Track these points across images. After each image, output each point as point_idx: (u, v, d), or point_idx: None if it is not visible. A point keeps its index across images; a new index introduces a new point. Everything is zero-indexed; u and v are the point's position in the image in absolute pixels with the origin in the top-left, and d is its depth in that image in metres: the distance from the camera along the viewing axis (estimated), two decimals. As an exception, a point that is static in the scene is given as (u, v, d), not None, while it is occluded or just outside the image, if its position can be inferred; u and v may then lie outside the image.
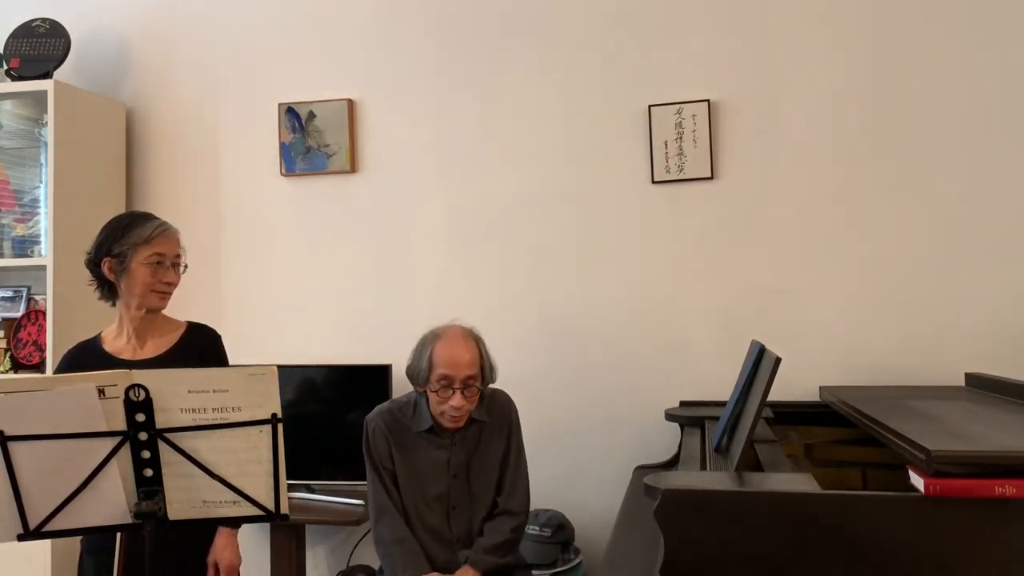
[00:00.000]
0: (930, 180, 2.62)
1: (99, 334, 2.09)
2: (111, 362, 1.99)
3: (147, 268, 1.98)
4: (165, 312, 2.10)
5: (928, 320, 2.60)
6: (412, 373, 2.15)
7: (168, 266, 2.02)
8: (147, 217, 2.05)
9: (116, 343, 2.05)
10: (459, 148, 2.96)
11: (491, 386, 2.23)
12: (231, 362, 2.26)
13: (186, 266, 2.09)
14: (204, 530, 2.04)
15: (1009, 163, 2.56)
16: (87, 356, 2.02)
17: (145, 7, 3.28)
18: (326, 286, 3.06)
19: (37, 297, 3.05)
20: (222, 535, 2.06)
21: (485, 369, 2.14)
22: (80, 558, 2.04)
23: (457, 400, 2.07)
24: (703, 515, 1.38)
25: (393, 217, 3.01)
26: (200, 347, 2.10)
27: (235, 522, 1.88)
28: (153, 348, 2.05)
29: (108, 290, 2.03)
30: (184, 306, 3.05)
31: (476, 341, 2.14)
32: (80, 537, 2.02)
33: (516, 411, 2.26)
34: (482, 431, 2.20)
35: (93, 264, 2.02)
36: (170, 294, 2.05)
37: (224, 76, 3.19)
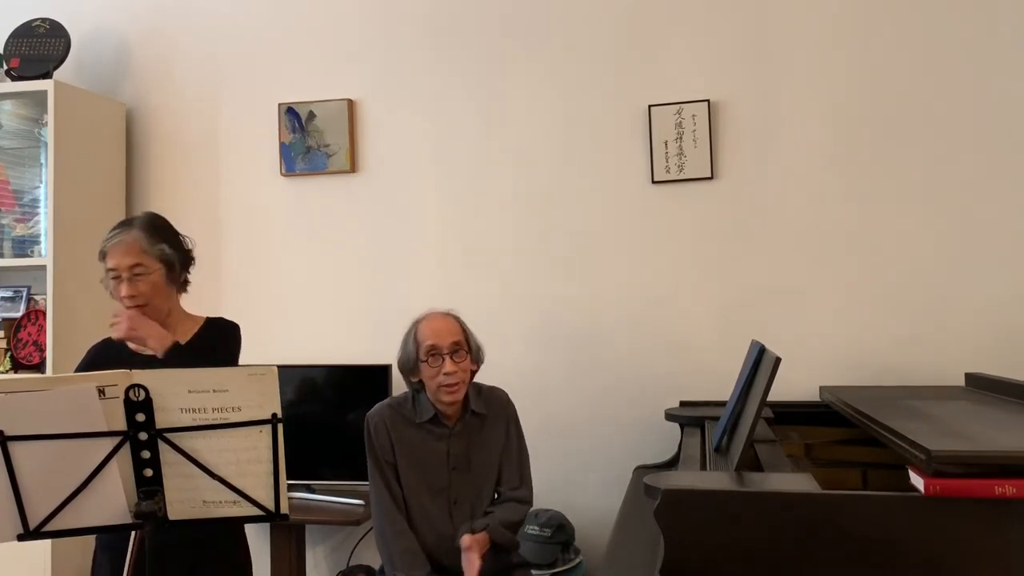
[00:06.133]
0: (930, 180, 2.61)
1: None
2: (129, 357, 1.96)
3: (110, 283, 1.93)
4: (185, 308, 2.09)
5: (928, 320, 2.60)
6: (403, 362, 2.21)
7: (124, 279, 1.90)
8: (115, 226, 1.95)
9: None
10: (459, 148, 2.96)
11: (489, 384, 2.30)
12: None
13: (153, 275, 1.93)
14: (217, 533, 1.99)
15: (1009, 163, 2.56)
16: (108, 351, 2.00)
17: (145, 7, 3.28)
18: (326, 286, 3.06)
19: (37, 297, 3.05)
20: None
21: (470, 341, 2.21)
22: (95, 555, 2.02)
23: (449, 366, 2.12)
24: (703, 515, 1.38)
25: (393, 217, 3.01)
26: (213, 340, 2.06)
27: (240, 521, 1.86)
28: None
29: None
30: (184, 306, 3.06)
31: (455, 317, 2.23)
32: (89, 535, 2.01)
33: (514, 407, 2.31)
34: (482, 424, 2.24)
35: None
36: (142, 305, 1.91)
37: (224, 76, 3.19)
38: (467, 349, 2.18)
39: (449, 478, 2.19)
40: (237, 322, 2.15)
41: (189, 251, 2.07)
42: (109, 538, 1.95)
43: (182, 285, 2.07)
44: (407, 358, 2.19)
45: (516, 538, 2.19)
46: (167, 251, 1.97)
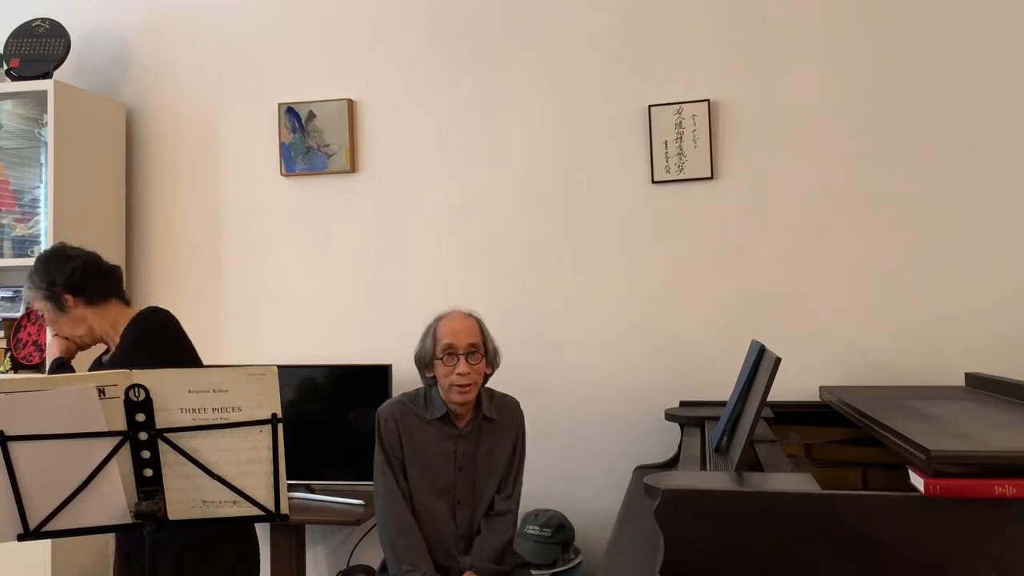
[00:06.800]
0: (930, 180, 2.61)
1: None
2: (97, 366, 2.12)
3: None
4: (185, 307, 2.16)
5: (928, 320, 2.60)
6: (420, 356, 2.22)
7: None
8: None
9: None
10: (459, 148, 2.96)
11: (502, 391, 2.31)
12: (232, 361, 2.27)
13: (45, 312, 2.07)
14: (204, 534, 1.99)
15: (1009, 163, 2.56)
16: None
17: (145, 7, 3.28)
18: (326, 286, 3.06)
19: (37, 297, 3.05)
20: None
21: (488, 344, 2.21)
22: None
23: (463, 367, 2.13)
24: (703, 515, 1.38)
25: (393, 217, 3.01)
26: (127, 333, 2.03)
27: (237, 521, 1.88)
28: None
29: None
30: (185, 306, 3.06)
31: (476, 319, 2.24)
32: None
33: (523, 417, 2.31)
34: (492, 428, 2.24)
35: None
36: (60, 336, 2.09)
37: (224, 76, 3.19)
38: (483, 352, 2.19)
39: (454, 478, 2.19)
40: (155, 307, 2.10)
41: (70, 273, 2.03)
42: (120, 537, 2.00)
43: (97, 299, 2.06)
44: (424, 353, 2.20)
45: (506, 567, 2.19)
46: (38, 291, 2.04)
